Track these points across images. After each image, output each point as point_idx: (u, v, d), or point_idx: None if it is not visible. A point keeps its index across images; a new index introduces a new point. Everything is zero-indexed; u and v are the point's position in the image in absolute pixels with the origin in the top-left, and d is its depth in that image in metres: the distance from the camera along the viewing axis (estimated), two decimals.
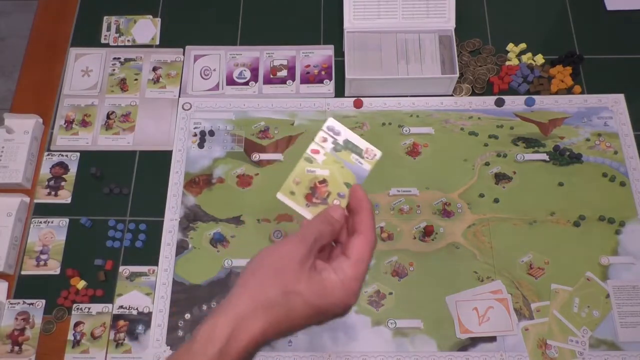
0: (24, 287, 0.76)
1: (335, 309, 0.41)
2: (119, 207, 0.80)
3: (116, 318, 0.73)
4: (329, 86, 0.87)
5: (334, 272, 0.41)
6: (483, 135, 0.83)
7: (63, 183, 0.81)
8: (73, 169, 0.82)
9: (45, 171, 0.82)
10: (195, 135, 0.84)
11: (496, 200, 0.79)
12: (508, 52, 0.89)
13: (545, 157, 0.81)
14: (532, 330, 0.71)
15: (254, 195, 0.80)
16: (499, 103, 0.85)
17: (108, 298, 0.75)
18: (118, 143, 0.84)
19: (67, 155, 0.83)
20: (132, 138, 0.84)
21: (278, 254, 0.41)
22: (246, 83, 0.88)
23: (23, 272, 0.76)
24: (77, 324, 0.73)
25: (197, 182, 0.81)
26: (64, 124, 0.85)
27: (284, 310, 0.39)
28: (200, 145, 0.83)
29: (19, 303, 0.74)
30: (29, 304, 0.74)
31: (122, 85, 0.88)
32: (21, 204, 0.79)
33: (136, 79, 0.88)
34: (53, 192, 0.81)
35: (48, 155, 0.83)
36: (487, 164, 0.81)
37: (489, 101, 0.85)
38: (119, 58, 0.90)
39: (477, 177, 0.81)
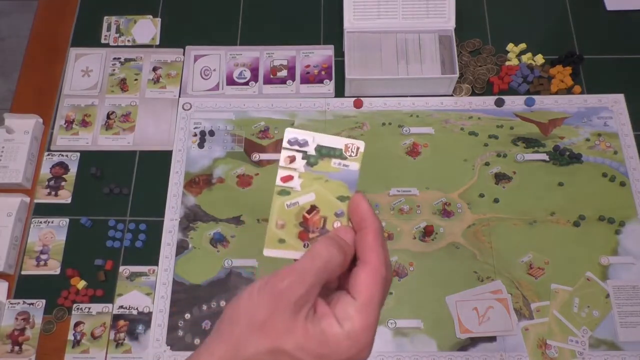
0: (24, 287, 0.76)
1: None
2: (119, 207, 0.80)
3: (116, 318, 0.73)
4: (329, 86, 0.87)
5: (338, 323, 0.31)
6: (483, 135, 0.83)
7: (63, 183, 0.81)
8: (73, 169, 0.82)
9: (45, 171, 0.82)
10: (196, 135, 0.84)
11: (496, 200, 0.79)
12: (508, 52, 0.89)
13: (545, 157, 0.81)
14: (532, 330, 0.71)
15: (254, 195, 0.80)
16: (499, 103, 0.85)
17: (108, 298, 0.75)
18: (118, 143, 0.84)
19: (67, 155, 0.83)
20: (132, 138, 0.84)
21: (266, 295, 0.31)
22: (246, 83, 0.88)
23: (23, 272, 0.76)
24: (77, 324, 0.73)
25: (197, 182, 0.81)
26: (64, 124, 0.85)
27: None
28: (200, 145, 0.83)
29: (19, 303, 0.74)
30: (29, 304, 0.74)
31: (122, 85, 0.88)
32: (21, 204, 0.79)
33: (136, 79, 0.88)
34: (53, 192, 0.81)
35: (48, 155, 0.83)
36: (487, 164, 0.81)
37: (489, 101, 0.85)
38: (119, 58, 0.90)
39: (477, 177, 0.81)
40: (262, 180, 0.81)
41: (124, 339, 0.72)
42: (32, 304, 0.74)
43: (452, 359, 0.70)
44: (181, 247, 0.77)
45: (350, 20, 0.85)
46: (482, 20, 0.92)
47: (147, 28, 0.92)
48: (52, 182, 0.81)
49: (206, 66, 0.89)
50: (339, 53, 0.89)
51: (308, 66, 0.88)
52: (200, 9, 0.94)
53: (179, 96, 0.87)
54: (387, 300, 0.73)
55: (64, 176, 0.82)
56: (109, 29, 0.93)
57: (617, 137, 0.82)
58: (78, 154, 0.83)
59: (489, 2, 0.93)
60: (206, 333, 0.72)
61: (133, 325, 0.73)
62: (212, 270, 0.76)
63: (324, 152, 0.36)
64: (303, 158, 0.36)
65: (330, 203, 0.36)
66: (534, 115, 0.84)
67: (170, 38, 0.92)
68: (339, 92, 0.86)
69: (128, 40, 0.92)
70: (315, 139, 0.36)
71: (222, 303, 0.74)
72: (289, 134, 0.36)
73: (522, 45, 0.89)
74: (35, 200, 0.80)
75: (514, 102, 0.85)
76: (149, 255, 0.77)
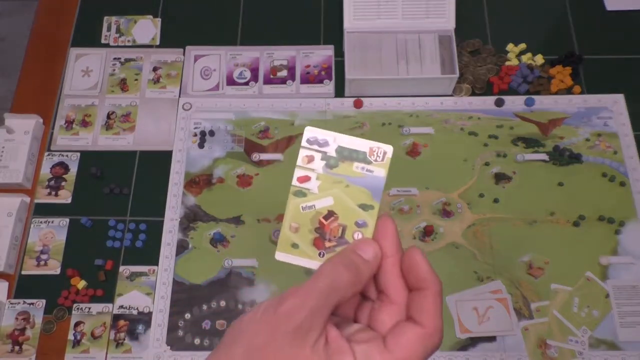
0: (24, 287, 0.76)
1: None
2: (119, 207, 0.80)
3: (116, 318, 0.73)
4: (329, 86, 0.87)
5: None
6: (483, 135, 0.83)
7: (63, 183, 0.81)
8: (73, 169, 0.82)
9: (45, 171, 0.82)
10: (196, 135, 0.84)
11: (496, 200, 0.79)
12: (508, 52, 0.89)
13: (545, 157, 0.81)
14: (531, 330, 0.72)
15: (254, 195, 0.80)
16: (499, 103, 0.85)
17: (108, 298, 0.75)
18: (118, 143, 0.84)
19: (67, 155, 0.83)
20: (132, 138, 0.84)
21: (267, 319, 0.28)
22: (246, 83, 0.88)
23: (23, 272, 0.76)
24: (77, 324, 0.73)
25: (197, 182, 0.81)
26: (64, 124, 0.85)
27: None
28: (201, 145, 0.83)
29: (19, 303, 0.74)
30: (30, 304, 0.74)
31: (123, 85, 0.88)
32: (21, 203, 0.79)
33: (136, 79, 0.88)
34: (53, 192, 0.81)
35: (48, 155, 0.83)
36: (487, 164, 0.81)
37: (489, 101, 0.85)
38: (119, 58, 0.90)
39: (477, 177, 0.81)
40: (262, 180, 0.81)
41: (124, 339, 0.72)
42: (32, 303, 0.74)
43: (452, 359, 0.70)
44: (181, 247, 0.77)
45: (350, 20, 0.85)
46: (482, 20, 0.92)
47: (147, 28, 0.93)
48: (52, 182, 0.81)
49: (206, 66, 0.89)
50: (339, 53, 0.89)
51: (308, 66, 0.88)
52: (200, 9, 0.94)
53: (179, 96, 0.87)
54: None
55: (64, 176, 0.82)
56: (109, 29, 0.93)
57: (616, 137, 0.82)
58: (78, 154, 0.83)
59: (489, 2, 0.93)
60: (206, 333, 0.72)
61: (133, 325, 0.73)
62: (212, 270, 0.76)
63: (346, 155, 0.33)
64: (322, 159, 0.33)
65: (351, 211, 0.33)
66: (533, 115, 0.84)
67: (170, 38, 0.92)
68: (339, 92, 0.86)
69: (128, 41, 0.92)
70: (336, 139, 0.33)
71: (222, 303, 0.74)
72: (309, 132, 0.34)
73: (522, 46, 0.89)
74: (36, 200, 0.80)
75: (514, 102, 0.85)
76: (149, 255, 0.77)
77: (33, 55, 0.92)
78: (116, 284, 0.75)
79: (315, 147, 0.34)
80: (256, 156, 0.82)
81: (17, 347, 0.72)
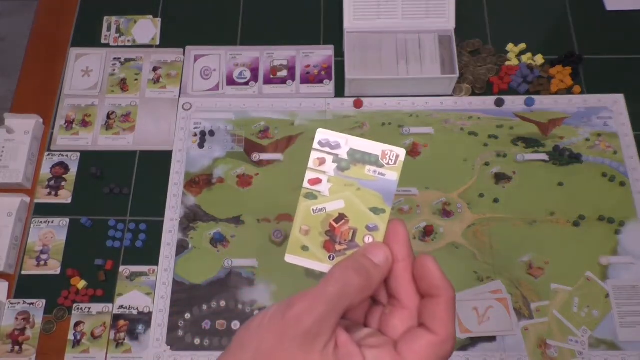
0: (24, 287, 0.76)
1: None
2: (119, 207, 0.80)
3: (116, 318, 0.73)
4: (329, 86, 0.87)
5: None
6: (483, 135, 0.83)
7: (63, 183, 0.81)
8: (73, 169, 0.82)
9: (45, 171, 0.82)
10: (196, 135, 0.84)
11: (496, 200, 0.79)
12: (508, 52, 0.89)
13: (545, 157, 0.81)
14: (531, 330, 0.72)
15: (254, 195, 0.80)
16: (499, 103, 0.85)
17: (108, 298, 0.75)
18: (118, 143, 0.84)
19: (67, 155, 0.83)
20: (132, 138, 0.84)
21: (275, 323, 0.28)
22: (246, 83, 0.88)
23: (23, 272, 0.76)
24: (77, 324, 0.73)
25: (197, 182, 0.81)
26: (64, 124, 0.85)
27: None
28: (201, 145, 0.83)
29: (19, 303, 0.74)
30: (30, 304, 0.74)
31: (123, 85, 0.88)
32: (21, 203, 0.79)
33: (136, 79, 0.88)
34: (53, 192, 0.81)
35: (48, 155, 0.83)
36: (487, 164, 0.81)
37: (489, 101, 0.85)
38: (119, 58, 0.90)
39: (477, 177, 0.81)
40: (262, 180, 0.81)
41: (124, 339, 0.72)
42: (33, 303, 0.74)
43: (452, 359, 0.70)
44: (181, 247, 0.77)
45: (350, 20, 0.85)
46: (482, 20, 0.92)
47: (147, 28, 0.93)
48: (52, 182, 0.81)
49: (206, 66, 0.89)
50: (339, 53, 0.89)
51: (308, 66, 0.88)
52: (200, 9, 0.94)
53: (179, 96, 0.87)
54: None
55: (64, 176, 0.82)
56: (109, 29, 0.93)
57: (616, 137, 0.82)
58: (78, 154, 0.83)
59: (489, 2, 0.93)
60: (206, 333, 0.72)
61: (133, 325, 0.73)
62: (212, 270, 0.76)
63: (358, 157, 0.33)
64: (334, 161, 0.33)
65: (362, 214, 0.33)
66: (533, 115, 0.84)
67: (170, 38, 0.92)
68: (339, 92, 0.86)
69: (128, 41, 0.92)
70: (348, 142, 0.33)
71: (222, 303, 0.74)
72: (320, 134, 0.33)
73: (522, 46, 0.89)
74: (36, 200, 0.80)
75: (514, 102, 0.85)
76: (149, 255, 0.77)
77: (33, 55, 0.92)
78: (116, 284, 0.75)
79: (327, 149, 0.33)
80: (256, 156, 0.82)
81: (17, 347, 0.72)
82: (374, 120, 0.84)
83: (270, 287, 0.75)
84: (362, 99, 0.85)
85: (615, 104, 0.84)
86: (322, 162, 0.33)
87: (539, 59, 0.88)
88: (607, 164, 0.81)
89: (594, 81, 0.87)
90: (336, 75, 0.88)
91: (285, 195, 0.79)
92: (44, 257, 0.77)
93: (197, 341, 0.72)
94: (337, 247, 0.33)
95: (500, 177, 0.80)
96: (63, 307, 0.74)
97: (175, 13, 0.94)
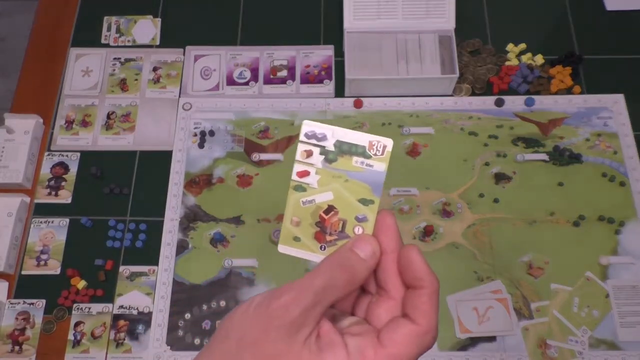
0: (24, 287, 0.76)
1: None
2: (119, 207, 0.80)
3: (116, 318, 0.73)
4: (329, 86, 0.87)
5: (347, 356, 0.27)
6: (483, 135, 0.83)
7: (63, 183, 0.81)
8: (73, 169, 0.82)
9: (45, 171, 0.82)
10: (196, 135, 0.84)
11: (496, 200, 0.79)
12: (508, 52, 0.89)
13: (545, 157, 0.81)
14: (531, 330, 0.72)
15: (254, 195, 0.80)
16: (499, 103, 0.85)
17: (108, 298, 0.75)
18: (118, 143, 0.84)
19: (67, 155, 0.83)
20: (132, 138, 0.84)
21: (260, 313, 0.28)
22: (246, 83, 0.88)
23: (23, 272, 0.76)
24: (77, 324, 0.73)
25: (197, 182, 0.81)
26: (64, 124, 0.85)
27: None
28: (201, 145, 0.83)
29: (19, 303, 0.74)
30: (30, 304, 0.74)
31: (123, 85, 0.88)
32: (21, 203, 0.79)
33: (136, 79, 0.88)
34: (53, 192, 0.81)
35: (48, 155, 0.83)
36: (487, 164, 0.81)
37: (489, 101, 0.85)
38: (119, 58, 0.90)
39: (477, 177, 0.81)
40: (262, 180, 0.81)
41: (124, 339, 0.72)
42: (32, 303, 0.74)
43: (452, 359, 0.70)
44: (181, 247, 0.77)
45: (350, 20, 0.85)
46: (482, 20, 0.92)
47: (147, 28, 0.93)
48: (52, 182, 0.81)
49: (206, 66, 0.89)
50: (339, 53, 0.89)
51: (308, 66, 0.88)
52: (200, 9, 0.94)
53: (179, 96, 0.87)
54: None
55: (64, 176, 0.82)
56: (109, 29, 0.93)
57: (616, 137, 0.82)
58: (78, 154, 0.83)
59: (489, 2, 0.93)
60: (206, 333, 0.72)
61: (133, 325, 0.73)
62: (212, 270, 0.76)
63: (344, 149, 0.33)
64: (321, 153, 0.33)
65: (351, 205, 0.33)
66: (533, 115, 0.84)
67: (170, 38, 0.92)
68: (339, 92, 0.86)
69: (128, 41, 0.92)
70: (334, 133, 0.33)
71: (222, 303, 0.74)
72: (307, 126, 0.33)
73: (522, 46, 0.89)
74: (36, 200, 0.80)
75: (514, 102, 0.85)
76: (149, 255, 0.77)
77: (33, 55, 0.92)
78: (116, 284, 0.75)
79: (314, 141, 0.33)
80: (256, 156, 0.82)
81: (17, 347, 0.72)
82: (374, 120, 0.84)
83: (270, 287, 0.75)
84: (362, 99, 0.85)
85: (615, 104, 0.84)
86: (309, 154, 0.33)
87: (539, 59, 0.88)
88: (607, 164, 0.81)
89: (594, 81, 0.87)
90: (336, 75, 0.88)
91: (286, 195, 0.79)
92: (44, 257, 0.77)
93: (197, 341, 0.72)
94: (328, 238, 0.33)
95: (500, 177, 0.80)
96: (63, 307, 0.74)
97: (175, 13, 0.94)
